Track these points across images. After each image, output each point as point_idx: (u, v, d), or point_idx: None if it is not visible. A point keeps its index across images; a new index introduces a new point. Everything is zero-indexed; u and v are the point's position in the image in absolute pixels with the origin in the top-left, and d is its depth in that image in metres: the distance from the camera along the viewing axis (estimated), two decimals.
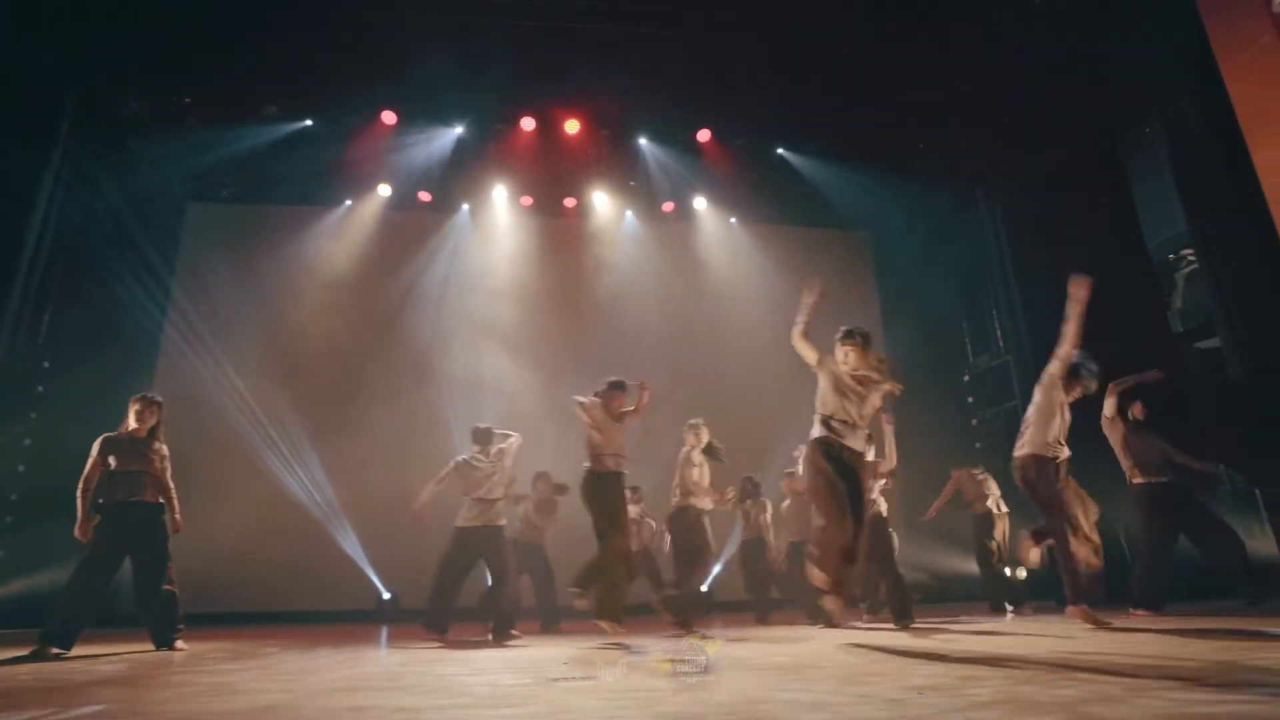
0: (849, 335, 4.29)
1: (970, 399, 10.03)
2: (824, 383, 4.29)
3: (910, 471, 9.96)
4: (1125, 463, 5.79)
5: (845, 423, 4.10)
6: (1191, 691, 2.12)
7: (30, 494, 8.03)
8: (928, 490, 9.58)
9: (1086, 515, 4.50)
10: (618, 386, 5.41)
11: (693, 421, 6.34)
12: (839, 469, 4.00)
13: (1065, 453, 4.61)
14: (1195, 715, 1.77)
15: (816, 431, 4.22)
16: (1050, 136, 8.43)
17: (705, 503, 6.14)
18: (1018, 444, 4.69)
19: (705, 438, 6.23)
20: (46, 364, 8.37)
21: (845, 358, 4.24)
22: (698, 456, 6.20)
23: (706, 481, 6.19)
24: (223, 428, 9.04)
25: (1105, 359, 7.81)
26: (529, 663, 3.64)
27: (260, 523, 8.74)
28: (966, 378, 10.17)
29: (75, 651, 4.37)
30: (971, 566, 8.33)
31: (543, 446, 9.26)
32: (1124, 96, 8.57)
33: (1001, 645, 3.78)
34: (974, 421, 9.87)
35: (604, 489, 5.10)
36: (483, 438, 5.82)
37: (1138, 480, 5.70)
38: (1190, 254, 8.58)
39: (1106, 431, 5.83)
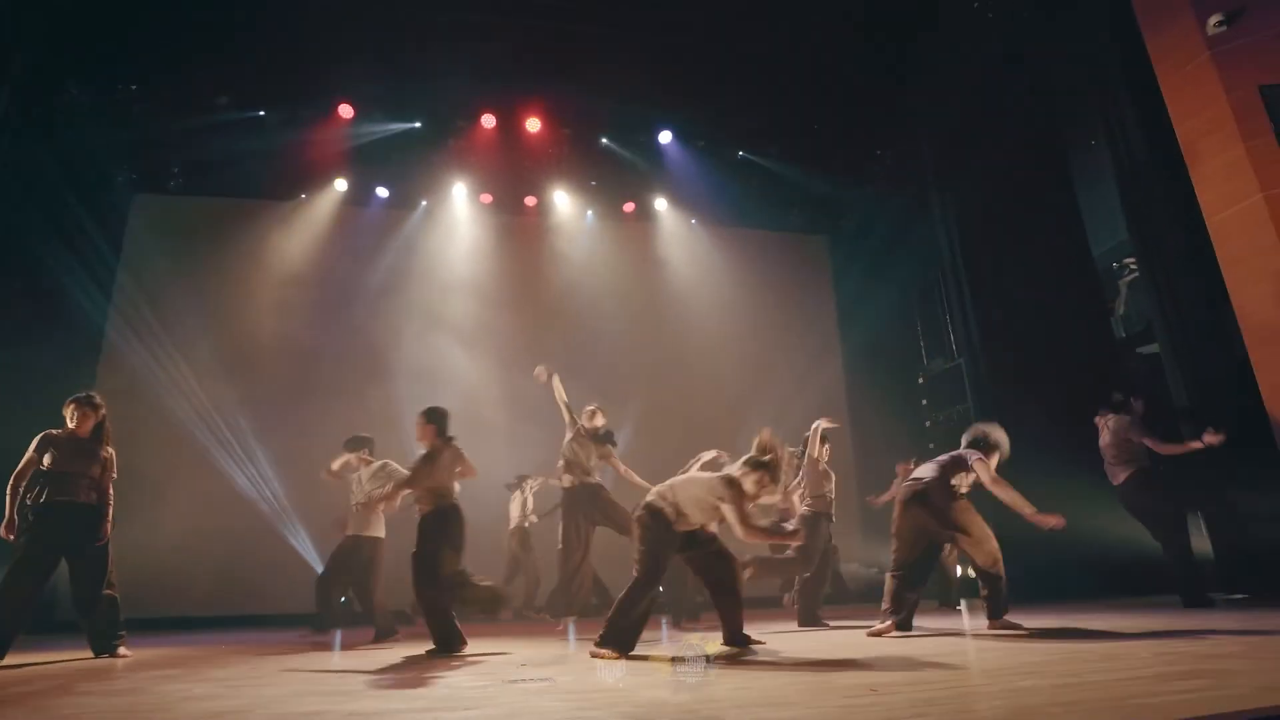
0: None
1: (924, 401, 10.26)
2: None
3: (866, 471, 10.19)
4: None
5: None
6: None
7: None
8: (881, 484, 9.83)
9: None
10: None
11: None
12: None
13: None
14: None
15: None
16: (1000, 144, 8.67)
17: None
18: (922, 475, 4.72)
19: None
20: None
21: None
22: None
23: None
24: (168, 424, 8.75)
25: (1052, 363, 8.13)
26: (491, 666, 3.61)
27: (207, 523, 8.47)
28: (921, 380, 10.41)
29: (8, 660, 4.19)
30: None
31: (497, 441, 9.22)
32: (1070, 107, 8.87)
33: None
34: (928, 423, 10.11)
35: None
36: (360, 445, 6.10)
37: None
38: (1133, 262, 8.92)
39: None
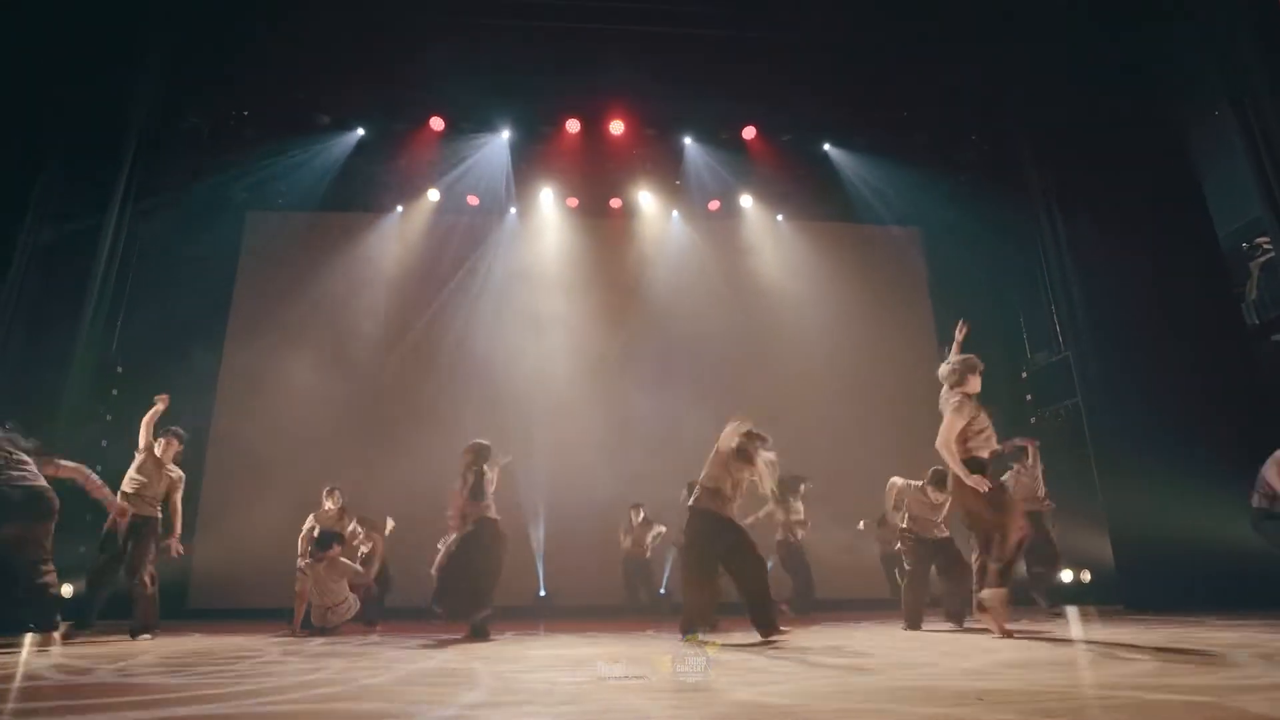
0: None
1: (1029, 397, 9.72)
2: None
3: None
4: None
5: None
6: None
7: None
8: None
9: None
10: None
11: None
12: None
13: None
14: None
15: None
16: (1108, 121, 8.09)
17: None
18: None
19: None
20: (119, 369, 8.78)
21: None
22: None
23: None
24: (285, 427, 9.30)
25: (1174, 354, 7.53)
26: (584, 660, 3.66)
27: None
28: (1024, 375, 9.87)
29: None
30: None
31: (591, 447, 9.37)
32: (1188, 75, 8.18)
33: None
34: (1033, 419, 9.56)
35: None
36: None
37: None
38: (1266, 241, 8.16)
39: None
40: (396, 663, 3.66)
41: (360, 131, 9.54)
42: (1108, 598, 7.80)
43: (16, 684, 2.97)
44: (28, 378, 6.87)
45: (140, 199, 8.23)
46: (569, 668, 3.35)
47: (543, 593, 8.94)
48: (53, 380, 7.01)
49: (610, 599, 8.62)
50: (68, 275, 7.30)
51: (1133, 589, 7.16)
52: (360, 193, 10.24)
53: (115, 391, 8.69)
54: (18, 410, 6.59)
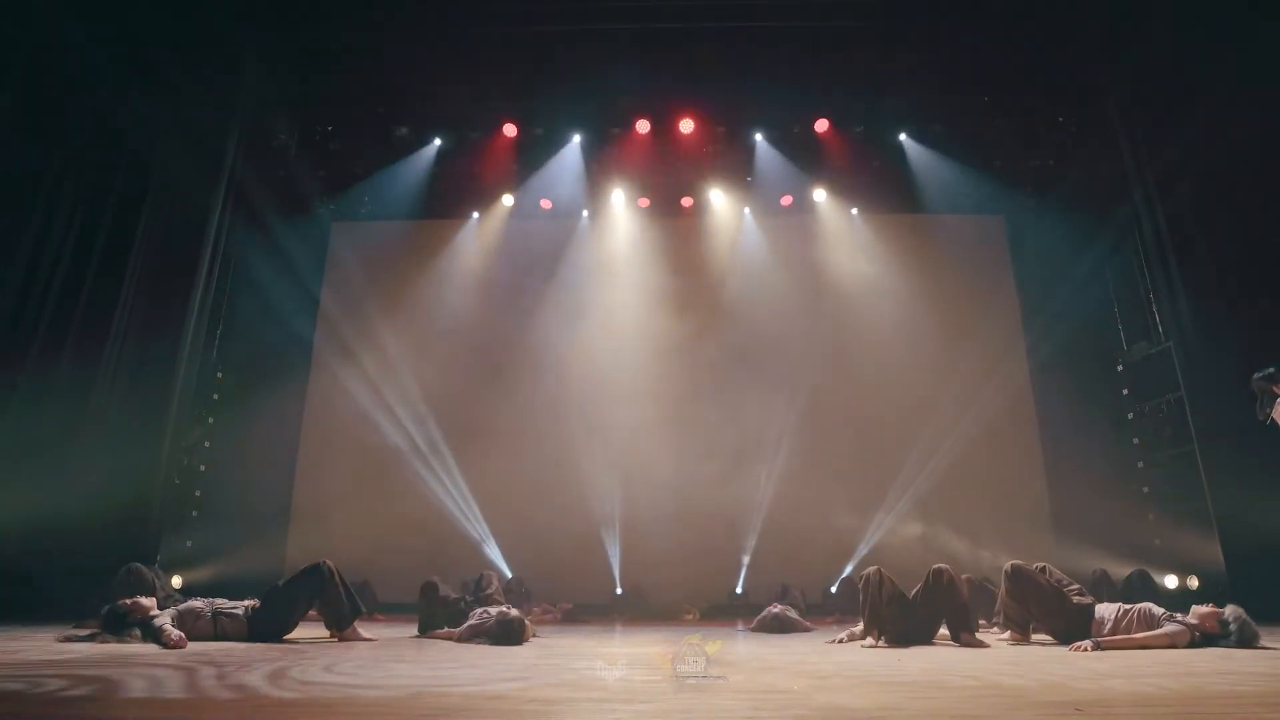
0: None
1: (1126, 391, 9.16)
2: None
3: (1059, 470, 9.30)
4: None
5: None
6: None
7: (211, 491, 9.00)
8: (1078, 487, 8.97)
9: None
10: None
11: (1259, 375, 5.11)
12: None
13: None
14: None
15: None
16: (1217, 95, 7.51)
17: None
18: None
19: None
20: (219, 374, 9.32)
21: None
22: None
23: None
24: (370, 431, 9.66)
25: None
26: (660, 660, 3.67)
27: (409, 516, 9.23)
28: (1120, 368, 9.30)
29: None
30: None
31: (667, 449, 9.39)
32: None
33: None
34: (1130, 415, 9.01)
35: None
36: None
37: None
38: None
39: None
40: (481, 658, 3.75)
41: (438, 141, 9.85)
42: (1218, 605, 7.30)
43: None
44: (140, 386, 7.36)
45: (233, 217, 8.69)
46: (644, 666, 3.37)
47: (619, 590, 9.01)
48: (161, 388, 7.48)
49: (686, 597, 8.61)
50: (172, 292, 7.77)
51: (1246, 597, 6.67)
52: (438, 201, 10.53)
53: (216, 397, 9.24)
54: (130, 418, 7.13)
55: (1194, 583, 7.61)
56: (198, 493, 8.96)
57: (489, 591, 5.98)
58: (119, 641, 4.22)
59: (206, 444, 9.09)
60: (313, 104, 9.45)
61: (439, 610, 5.35)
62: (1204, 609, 4.39)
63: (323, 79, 9.12)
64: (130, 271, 7.51)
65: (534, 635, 5.11)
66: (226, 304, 9.35)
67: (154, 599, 4.68)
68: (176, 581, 7.41)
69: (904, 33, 8.45)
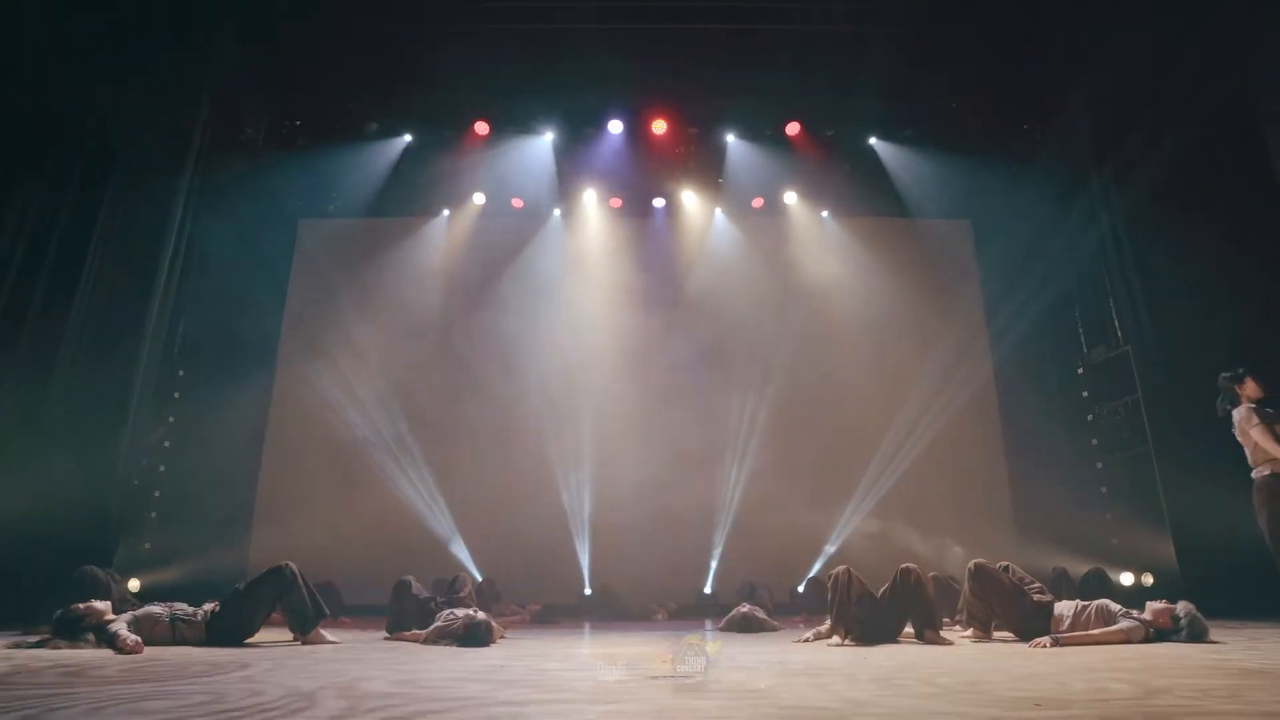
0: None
1: (1085, 393, 9.39)
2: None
3: (1022, 469, 9.50)
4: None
5: None
6: None
7: (170, 492, 8.77)
8: (1040, 486, 9.15)
9: None
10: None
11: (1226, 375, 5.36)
12: None
13: None
14: None
15: None
16: (1178, 109, 7.72)
17: None
18: None
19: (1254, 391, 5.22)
20: (181, 372, 9.08)
21: None
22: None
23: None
24: (337, 430, 9.52)
25: (1248, 349, 7.17)
26: (631, 660, 3.67)
27: (376, 517, 9.11)
28: (1080, 371, 9.53)
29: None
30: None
31: (636, 448, 9.40)
32: (1260, 49, 7.75)
33: None
34: (1090, 417, 9.24)
35: None
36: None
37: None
38: None
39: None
40: (448, 659, 3.72)
41: (408, 137, 9.73)
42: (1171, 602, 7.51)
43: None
44: (97, 384, 7.11)
45: (198, 209, 8.49)
46: (614, 667, 3.36)
47: (588, 591, 8.99)
48: (119, 385, 7.25)
49: (655, 597, 8.61)
50: (131, 286, 7.55)
51: (1198, 593, 6.87)
52: (407, 197, 10.42)
53: (177, 395, 9.01)
54: (86, 415, 6.92)
55: (1148, 580, 7.83)
56: (157, 493, 8.72)
57: (461, 594, 5.93)
58: (72, 647, 4.11)
59: (167, 444, 8.87)
60: (282, 96, 9.25)
61: (410, 609, 5.30)
62: (1157, 605, 4.55)
63: (293, 71, 8.92)
64: (90, 262, 7.27)
65: (502, 636, 5.09)
66: (190, 299, 9.11)
67: (109, 603, 4.57)
68: (134, 585, 7.19)
69: (875, 37, 8.54)
